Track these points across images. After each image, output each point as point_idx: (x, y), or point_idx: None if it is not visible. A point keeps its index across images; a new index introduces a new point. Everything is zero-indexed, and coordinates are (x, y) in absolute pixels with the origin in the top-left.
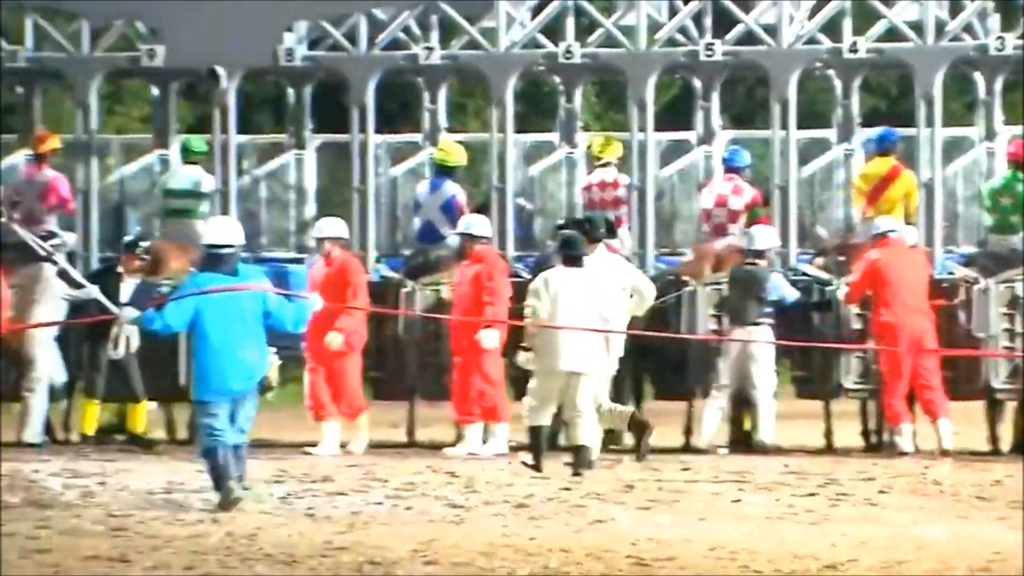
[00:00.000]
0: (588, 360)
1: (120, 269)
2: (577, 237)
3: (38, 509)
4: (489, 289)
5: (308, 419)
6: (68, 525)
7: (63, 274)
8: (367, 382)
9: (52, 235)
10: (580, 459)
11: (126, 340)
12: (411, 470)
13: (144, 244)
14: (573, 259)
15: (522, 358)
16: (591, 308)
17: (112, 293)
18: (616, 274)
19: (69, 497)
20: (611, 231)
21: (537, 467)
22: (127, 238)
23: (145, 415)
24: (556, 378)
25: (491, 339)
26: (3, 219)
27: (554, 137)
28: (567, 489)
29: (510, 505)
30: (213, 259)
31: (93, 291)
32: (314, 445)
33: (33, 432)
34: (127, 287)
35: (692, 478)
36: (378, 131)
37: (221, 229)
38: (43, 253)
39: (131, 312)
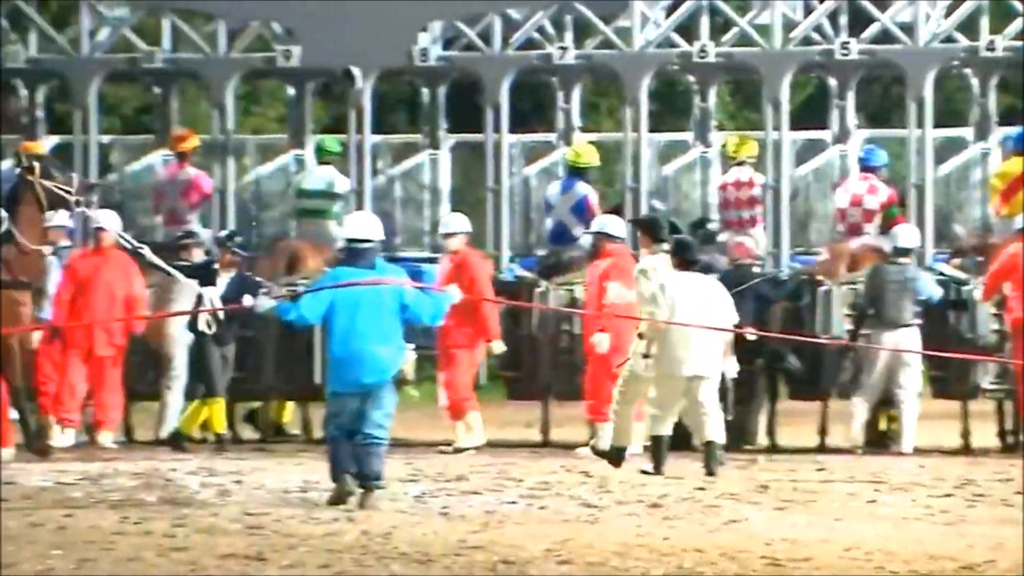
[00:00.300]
0: (710, 364)
1: (216, 265)
2: (691, 241)
3: (175, 507)
4: (604, 289)
5: (443, 418)
6: (205, 523)
7: (155, 267)
8: (501, 381)
9: (191, 234)
10: (711, 456)
11: (213, 325)
12: (545, 469)
13: (238, 238)
14: (688, 263)
15: (640, 365)
16: (708, 311)
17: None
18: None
19: (206, 495)
20: (674, 230)
21: (658, 473)
22: (222, 232)
23: (223, 414)
24: (677, 384)
25: (603, 343)
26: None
27: (688, 136)
28: (701, 489)
29: (644, 505)
30: (352, 253)
31: (192, 285)
32: (448, 444)
33: (170, 430)
34: (222, 281)
35: (827, 478)
36: (512, 131)
37: (361, 224)
38: (129, 247)
39: (265, 302)
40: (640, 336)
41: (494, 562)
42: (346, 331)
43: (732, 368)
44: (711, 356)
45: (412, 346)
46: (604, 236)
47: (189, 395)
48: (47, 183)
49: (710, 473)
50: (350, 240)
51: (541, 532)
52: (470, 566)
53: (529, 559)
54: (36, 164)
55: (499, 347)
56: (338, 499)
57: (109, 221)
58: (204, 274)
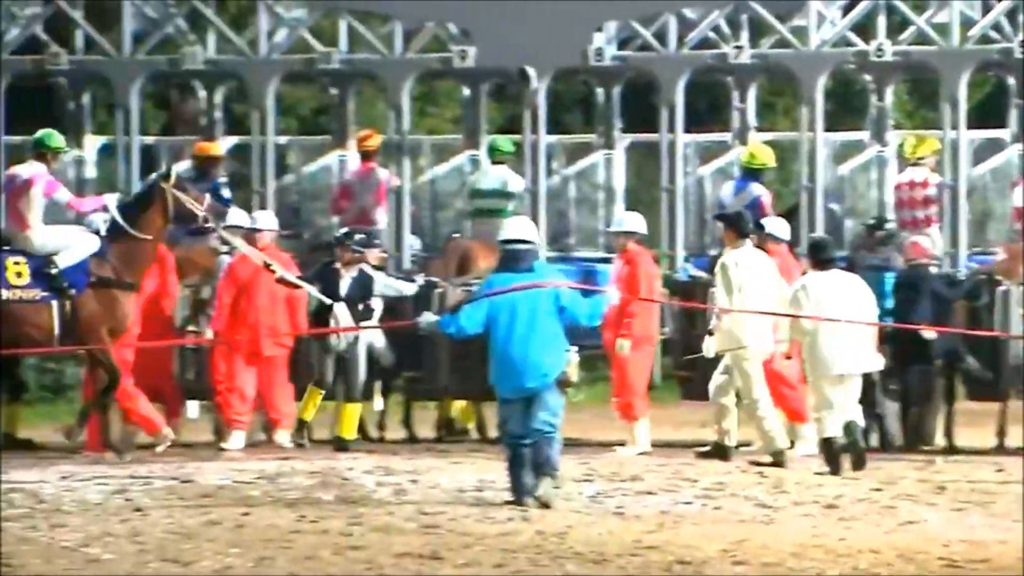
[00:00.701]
0: (858, 361)
1: (337, 264)
2: (827, 240)
3: (351, 506)
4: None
5: (615, 418)
6: (381, 522)
7: (285, 283)
8: (675, 382)
9: (373, 235)
10: (854, 452)
11: (343, 342)
12: (720, 470)
13: (358, 236)
14: (825, 262)
15: (705, 344)
16: (850, 309)
17: (332, 287)
18: (768, 271)
19: (382, 494)
20: (758, 227)
21: (835, 474)
22: (341, 230)
23: (356, 417)
24: (832, 382)
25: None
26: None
27: (864, 136)
28: (878, 490)
29: (819, 506)
30: (509, 256)
31: (311, 289)
32: (622, 444)
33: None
34: (344, 281)
35: (1006, 479)
36: (687, 130)
37: (517, 227)
38: (260, 262)
39: (429, 317)
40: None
41: (669, 562)
42: (506, 337)
43: (877, 364)
44: (859, 353)
45: (575, 347)
46: (767, 236)
47: (331, 396)
48: (179, 194)
49: (857, 468)
50: (506, 243)
51: (716, 532)
52: (645, 566)
53: (704, 559)
54: (173, 174)
55: (625, 346)
56: (519, 502)
57: (267, 222)
58: (326, 278)
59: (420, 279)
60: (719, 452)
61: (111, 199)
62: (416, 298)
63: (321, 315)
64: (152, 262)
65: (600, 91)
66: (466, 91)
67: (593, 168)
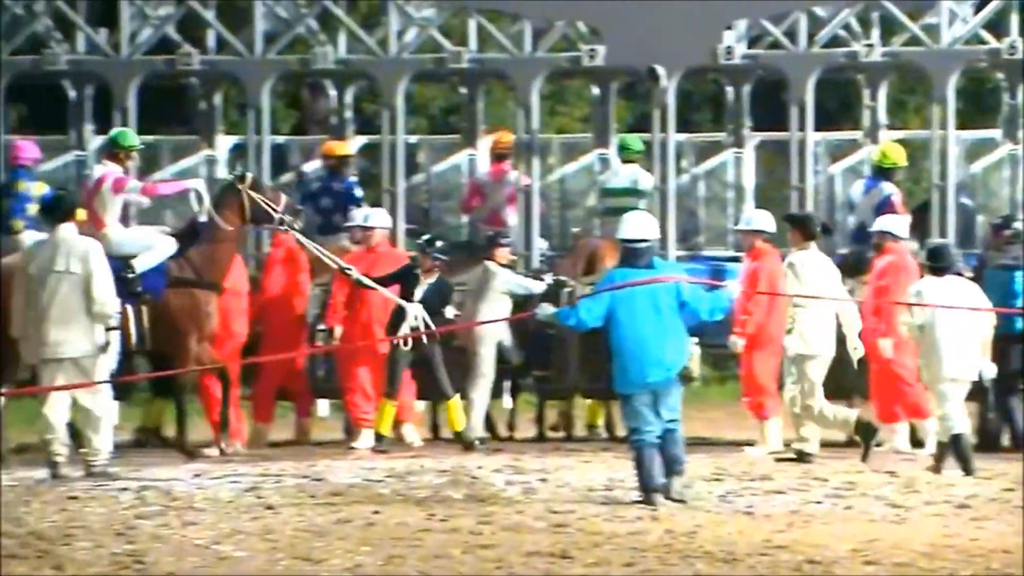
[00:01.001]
0: (966, 366)
1: (418, 270)
2: (945, 247)
3: (480, 504)
4: (881, 288)
5: (747, 417)
6: (510, 521)
7: (362, 285)
8: None
9: (503, 235)
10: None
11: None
12: (851, 469)
13: (438, 243)
14: (941, 270)
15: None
16: (966, 318)
17: (411, 293)
18: (829, 274)
19: (511, 493)
20: (825, 230)
21: (968, 471)
22: (424, 237)
23: (460, 412)
24: (950, 382)
25: (887, 348)
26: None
27: (996, 134)
28: (1010, 490)
29: (951, 506)
30: (629, 254)
31: (386, 291)
32: (751, 444)
33: (476, 428)
34: (422, 288)
35: None
36: (817, 129)
37: (636, 224)
38: (336, 266)
39: (547, 308)
40: None
41: (799, 562)
42: (628, 332)
43: (989, 372)
44: (968, 358)
45: (695, 341)
46: (887, 235)
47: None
48: (255, 195)
49: (967, 473)
50: (626, 241)
51: (847, 532)
52: (775, 566)
53: (835, 559)
54: (248, 175)
55: (739, 344)
56: (650, 502)
57: (380, 219)
58: (406, 281)
59: (549, 278)
60: (801, 457)
61: (197, 183)
62: (545, 297)
63: (399, 318)
64: (232, 263)
65: (730, 89)
66: (595, 90)
67: (722, 167)
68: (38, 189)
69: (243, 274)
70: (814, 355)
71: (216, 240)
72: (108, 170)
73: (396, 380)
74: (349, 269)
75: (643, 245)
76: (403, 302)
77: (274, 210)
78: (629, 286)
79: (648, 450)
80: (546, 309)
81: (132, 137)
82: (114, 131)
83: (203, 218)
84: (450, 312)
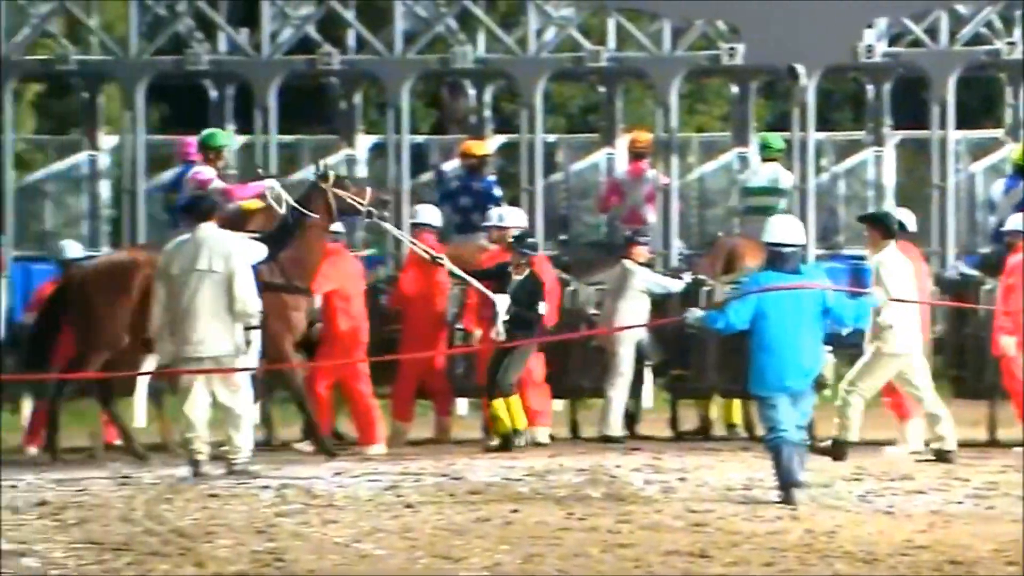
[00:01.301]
0: None
1: (511, 268)
2: None
3: (619, 503)
4: (1010, 287)
5: (888, 417)
6: (649, 520)
7: (456, 277)
8: (947, 380)
9: (641, 233)
10: None
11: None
12: (993, 469)
13: (531, 240)
14: None
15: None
16: None
17: (502, 286)
18: (909, 272)
19: (650, 492)
20: (903, 228)
21: None
22: (514, 234)
23: (519, 410)
24: None
25: (1008, 346)
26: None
27: None
28: None
29: None
30: (776, 257)
31: (476, 283)
32: (892, 443)
33: (614, 427)
34: (512, 283)
35: None
36: (958, 127)
37: (784, 228)
38: (428, 257)
39: (696, 312)
40: None
41: (940, 562)
42: (770, 334)
43: None
44: None
45: (829, 348)
46: (1019, 234)
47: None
48: (339, 192)
49: None
50: (772, 245)
51: (988, 532)
52: (915, 566)
53: (976, 559)
54: (330, 173)
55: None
56: (788, 500)
57: (516, 218)
58: (499, 278)
59: (687, 277)
60: (941, 457)
61: (272, 182)
62: (683, 295)
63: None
64: (320, 262)
65: (870, 88)
66: (735, 89)
67: (863, 165)
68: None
69: (355, 276)
70: (897, 354)
71: (303, 240)
72: (196, 171)
73: (511, 378)
74: (441, 259)
75: (790, 250)
76: (490, 293)
77: (360, 204)
78: (775, 290)
79: (787, 448)
80: (695, 313)
81: (222, 138)
82: (205, 132)
83: (282, 211)
84: (542, 308)
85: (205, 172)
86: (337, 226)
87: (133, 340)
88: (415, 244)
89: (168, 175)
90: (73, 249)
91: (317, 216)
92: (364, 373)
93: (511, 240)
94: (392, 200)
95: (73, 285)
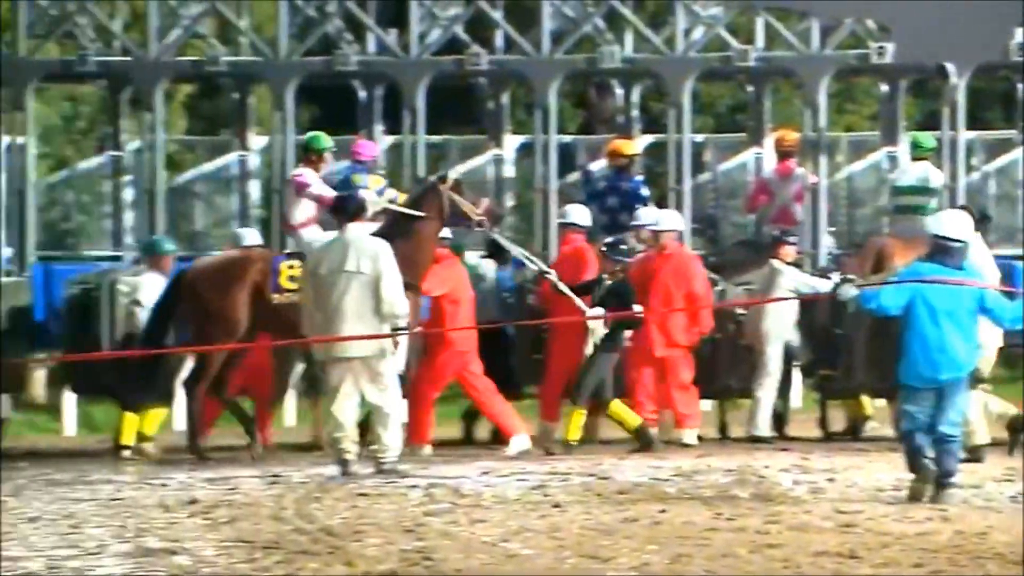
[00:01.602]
0: None
1: (605, 277)
2: None
3: (767, 504)
4: None
5: None
6: (797, 521)
7: (558, 291)
8: None
9: (789, 233)
10: None
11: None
12: None
13: (624, 247)
14: None
15: None
16: None
17: (591, 295)
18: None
19: (798, 492)
20: (984, 219)
21: None
22: (607, 239)
23: (626, 414)
24: None
25: None
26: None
27: None
28: None
29: None
30: (940, 250)
31: (576, 299)
32: None
33: (762, 427)
34: (601, 289)
35: None
36: None
37: (952, 223)
38: (536, 268)
39: (849, 290)
40: None
41: None
42: (924, 326)
43: None
44: None
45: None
46: None
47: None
48: (455, 196)
49: None
50: (939, 238)
51: None
52: None
53: None
54: (451, 177)
55: None
56: (917, 494)
57: (672, 222)
58: (591, 289)
59: (836, 277)
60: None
61: (380, 186)
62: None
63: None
64: (430, 263)
65: (1021, 86)
66: (884, 87)
67: (1013, 164)
68: (374, 183)
69: (465, 282)
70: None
71: (414, 239)
72: (299, 172)
73: (587, 388)
74: (549, 273)
75: (956, 244)
76: (586, 307)
77: (474, 212)
78: (934, 283)
79: (918, 433)
80: (848, 290)
81: (325, 141)
82: (309, 135)
83: (380, 205)
84: (636, 310)
85: (306, 175)
86: (445, 232)
87: (249, 333)
88: (529, 258)
89: (334, 174)
90: (251, 236)
91: (428, 216)
92: (479, 375)
93: (604, 247)
94: (504, 216)
95: (186, 282)
